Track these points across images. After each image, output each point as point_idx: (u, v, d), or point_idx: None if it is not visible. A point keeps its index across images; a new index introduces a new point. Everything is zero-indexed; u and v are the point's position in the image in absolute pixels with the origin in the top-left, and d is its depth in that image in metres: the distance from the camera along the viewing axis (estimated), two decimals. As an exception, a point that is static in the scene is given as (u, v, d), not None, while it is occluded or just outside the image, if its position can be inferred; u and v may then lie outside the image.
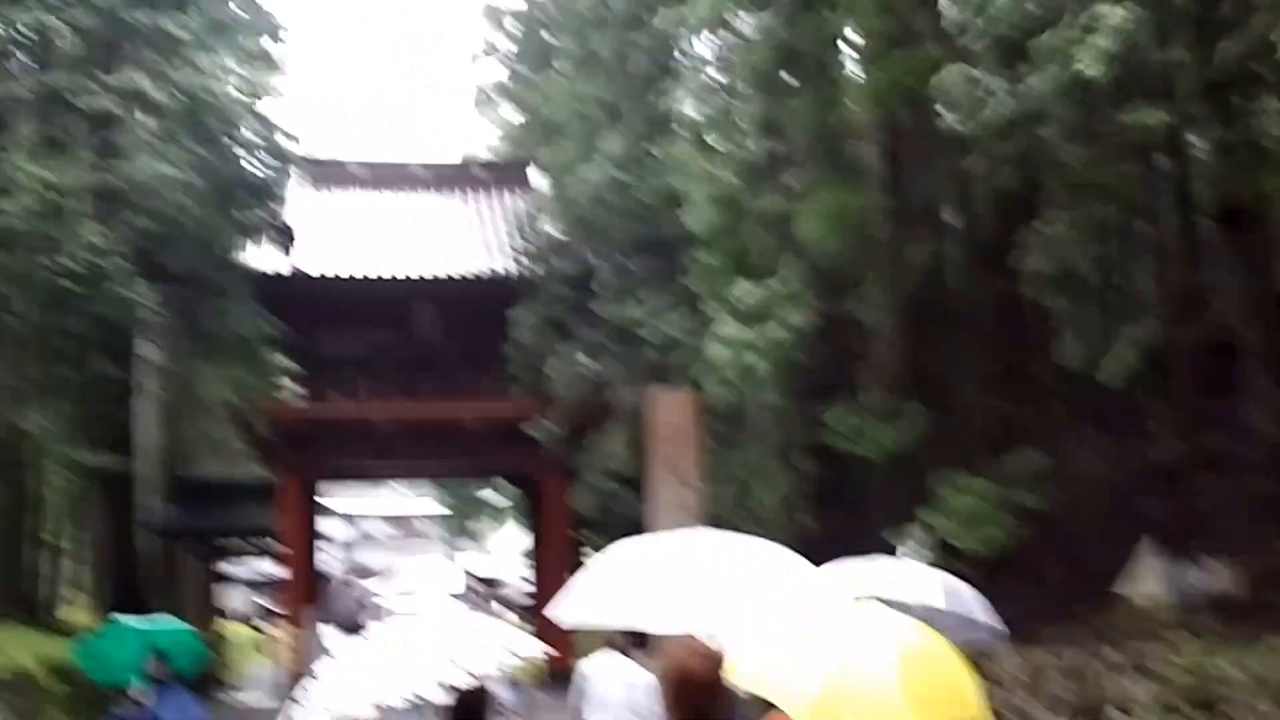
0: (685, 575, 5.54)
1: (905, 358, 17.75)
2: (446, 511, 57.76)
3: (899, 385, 16.72)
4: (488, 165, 33.23)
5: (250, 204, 27.21)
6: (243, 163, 27.44)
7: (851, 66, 16.82)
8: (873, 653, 3.47)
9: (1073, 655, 12.20)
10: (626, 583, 5.75)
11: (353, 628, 29.84)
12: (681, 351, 20.32)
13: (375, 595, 67.99)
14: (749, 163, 16.80)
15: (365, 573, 71.77)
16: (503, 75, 35.99)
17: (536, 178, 30.68)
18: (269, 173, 28.79)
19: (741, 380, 16.45)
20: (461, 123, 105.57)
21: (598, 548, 30.39)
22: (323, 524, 69.60)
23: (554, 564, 27.75)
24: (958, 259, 17.60)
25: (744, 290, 16.18)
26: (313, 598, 29.68)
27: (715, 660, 3.97)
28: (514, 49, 34.76)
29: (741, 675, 3.65)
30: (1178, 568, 12.45)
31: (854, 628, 3.63)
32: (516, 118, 36.36)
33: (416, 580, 72.29)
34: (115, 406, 26.66)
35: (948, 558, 15.64)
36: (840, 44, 15.87)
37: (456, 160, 33.64)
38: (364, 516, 78.11)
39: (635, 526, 28.75)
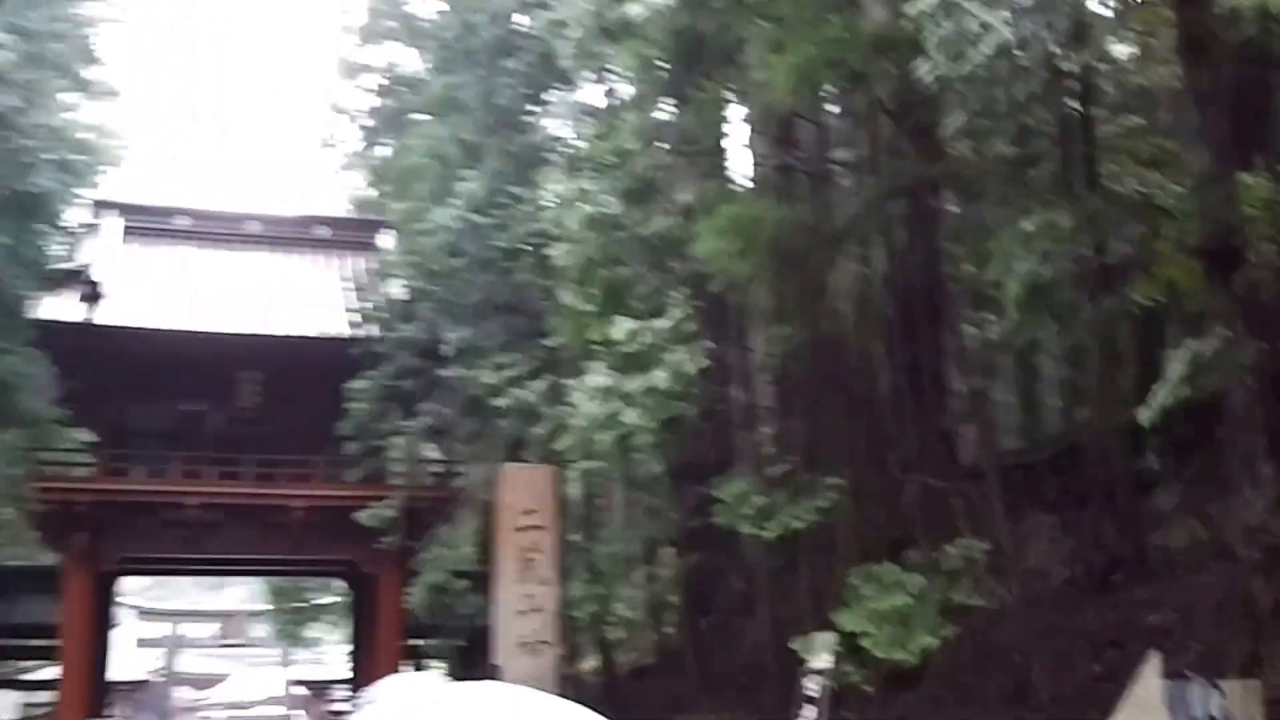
0: None
1: (817, 420, 15.05)
2: (277, 612, 53.35)
3: (809, 455, 14.00)
4: (332, 222, 30.00)
5: (51, 247, 23.68)
6: (47, 200, 23.90)
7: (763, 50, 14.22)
8: None
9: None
10: None
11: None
12: (541, 423, 17.43)
13: (195, 703, 63.18)
14: (633, 181, 14.09)
15: (184, 679, 67.07)
16: (355, 135, 33.09)
17: (384, 239, 27.63)
18: (77, 214, 25.43)
19: (614, 445, 13.59)
20: (306, 179, 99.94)
21: (434, 654, 27.04)
22: (133, 622, 64.89)
23: (380, 670, 24.22)
24: (881, 291, 14.97)
25: (623, 331, 13.38)
26: (96, 708, 25.69)
27: None
28: (368, 106, 31.90)
29: None
30: (1189, 691, 9.79)
31: None
32: (366, 177, 33.40)
33: (241, 687, 67.90)
34: None
35: (861, 671, 12.94)
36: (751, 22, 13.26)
37: (297, 216, 30.36)
38: (188, 615, 73.43)
39: (477, 632, 25.66)
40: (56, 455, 26.04)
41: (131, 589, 73.36)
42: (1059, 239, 9.50)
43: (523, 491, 16.15)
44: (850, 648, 12.66)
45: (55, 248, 24.26)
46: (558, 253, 15.70)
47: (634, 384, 13.07)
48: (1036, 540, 14.40)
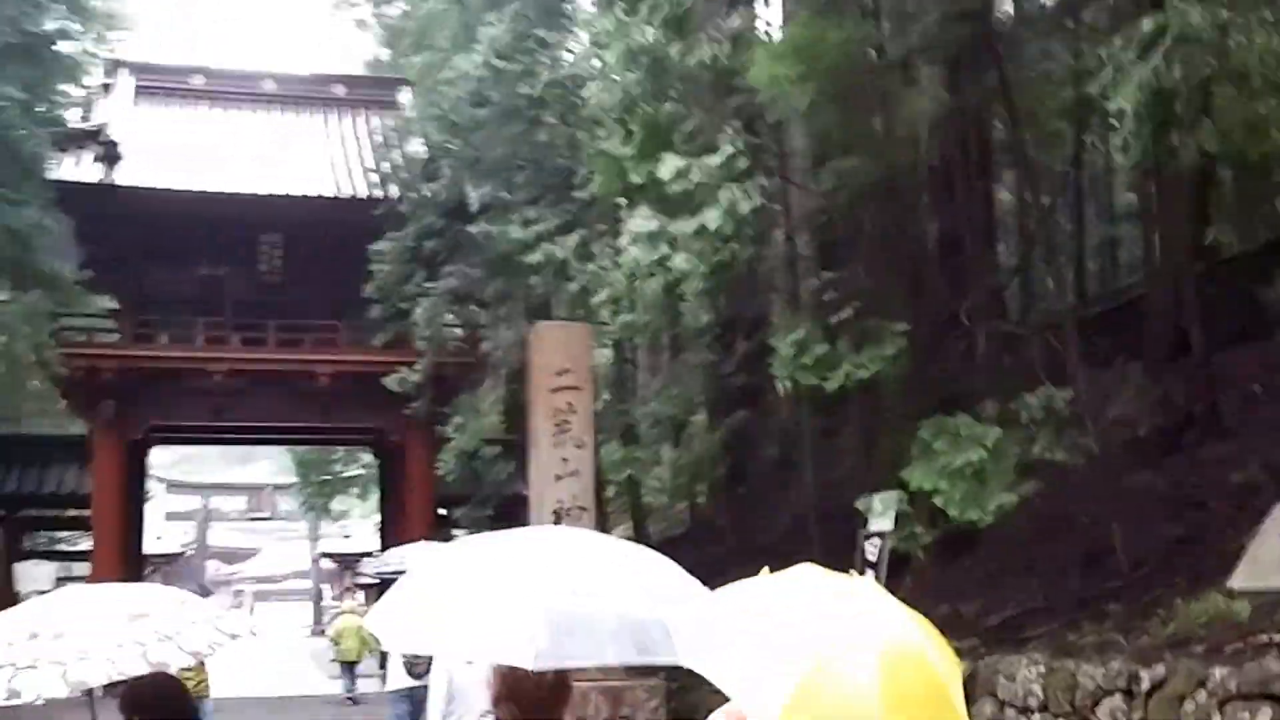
0: (503, 598, 4.01)
1: (878, 266, 14.22)
2: (304, 485, 53.44)
3: (871, 303, 13.15)
4: (349, 81, 29.11)
5: (65, 108, 22.96)
6: (60, 60, 23.09)
7: None
8: (853, 650, 2.92)
9: (1154, 673, 8.85)
10: (426, 600, 4.20)
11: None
12: (574, 280, 16.76)
13: (226, 576, 63.85)
14: (674, 8, 13.10)
15: (215, 552, 67.73)
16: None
17: (404, 96, 26.75)
18: (93, 75, 24.63)
19: (660, 294, 12.79)
20: (322, 35, 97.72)
21: (464, 524, 26.80)
22: (163, 496, 65.35)
23: (409, 541, 23.99)
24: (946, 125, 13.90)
25: (670, 170, 12.53)
26: (132, 577, 25.59)
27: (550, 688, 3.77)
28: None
29: (708, 671, 2.93)
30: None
31: (835, 619, 2.99)
32: (380, 36, 32.40)
33: (271, 559, 68.59)
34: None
35: (929, 531, 12.37)
36: None
37: (314, 74, 29.51)
38: (215, 488, 74.02)
39: (510, 499, 25.36)
40: (81, 321, 25.65)
41: (160, 463, 74.01)
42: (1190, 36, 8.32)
43: (556, 351, 15.47)
44: (918, 507, 12.01)
45: (70, 107, 23.51)
46: (594, 93, 14.85)
47: (683, 226, 12.28)
48: (1112, 394, 13.63)
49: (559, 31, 17.70)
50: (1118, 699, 9.26)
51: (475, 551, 4.56)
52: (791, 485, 21.62)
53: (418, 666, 13.90)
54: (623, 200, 14.42)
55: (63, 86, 21.62)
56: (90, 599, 4.89)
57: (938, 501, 11.55)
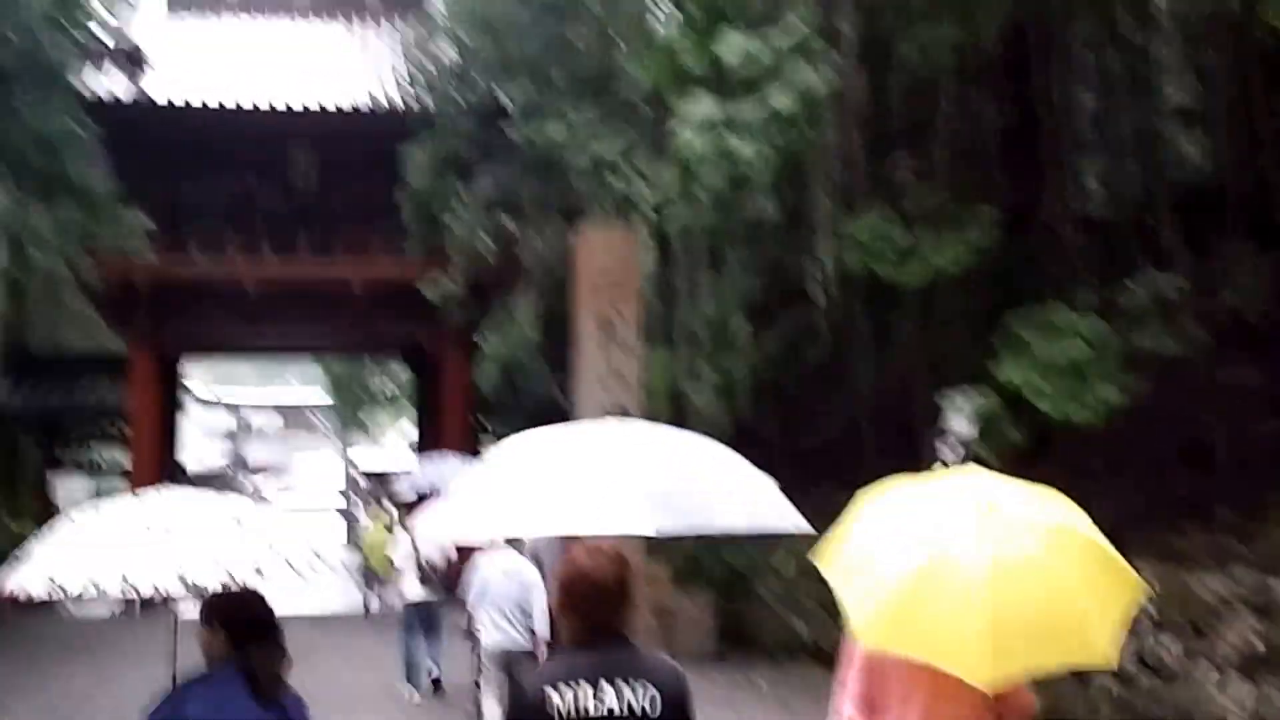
0: (599, 475, 4.04)
1: (958, 149, 13.46)
2: (335, 401, 53.41)
3: (952, 189, 12.49)
4: (380, -14, 28.48)
5: (91, 18, 22.47)
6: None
7: None
8: (964, 557, 3.12)
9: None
10: (522, 485, 4.16)
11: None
12: (616, 179, 16.23)
13: (259, 490, 64.14)
14: None
15: (249, 467, 68.14)
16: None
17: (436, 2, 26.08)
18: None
19: (724, 186, 12.18)
20: None
21: (502, 436, 26.56)
22: (199, 411, 65.55)
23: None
24: None
25: (735, 49, 11.89)
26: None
27: (616, 563, 3.69)
28: None
29: (825, 568, 3.36)
30: None
31: (954, 522, 3.28)
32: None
33: (304, 475, 68.91)
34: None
35: (1019, 429, 11.77)
36: None
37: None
38: (248, 406, 74.21)
39: (551, 408, 25.00)
40: (113, 235, 25.34)
41: (195, 381, 74.28)
42: None
43: (602, 254, 15.06)
44: (1005, 404, 11.40)
45: (98, 19, 23.00)
46: None
47: (749, 111, 11.68)
48: (1212, 281, 12.94)
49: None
50: (1246, 614, 8.67)
51: (548, 442, 4.46)
52: (839, 389, 21.14)
53: (429, 582, 13.99)
54: (671, 94, 13.73)
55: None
56: (197, 501, 4.86)
57: (1031, 399, 10.93)
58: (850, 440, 18.46)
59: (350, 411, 51.92)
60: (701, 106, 12.08)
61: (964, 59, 12.64)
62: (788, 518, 4.23)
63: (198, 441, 69.62)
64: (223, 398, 73.69)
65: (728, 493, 4.16)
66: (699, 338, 16.32)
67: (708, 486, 4.14)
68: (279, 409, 76.14)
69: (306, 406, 73.63)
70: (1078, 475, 13.23)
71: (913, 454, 15.58)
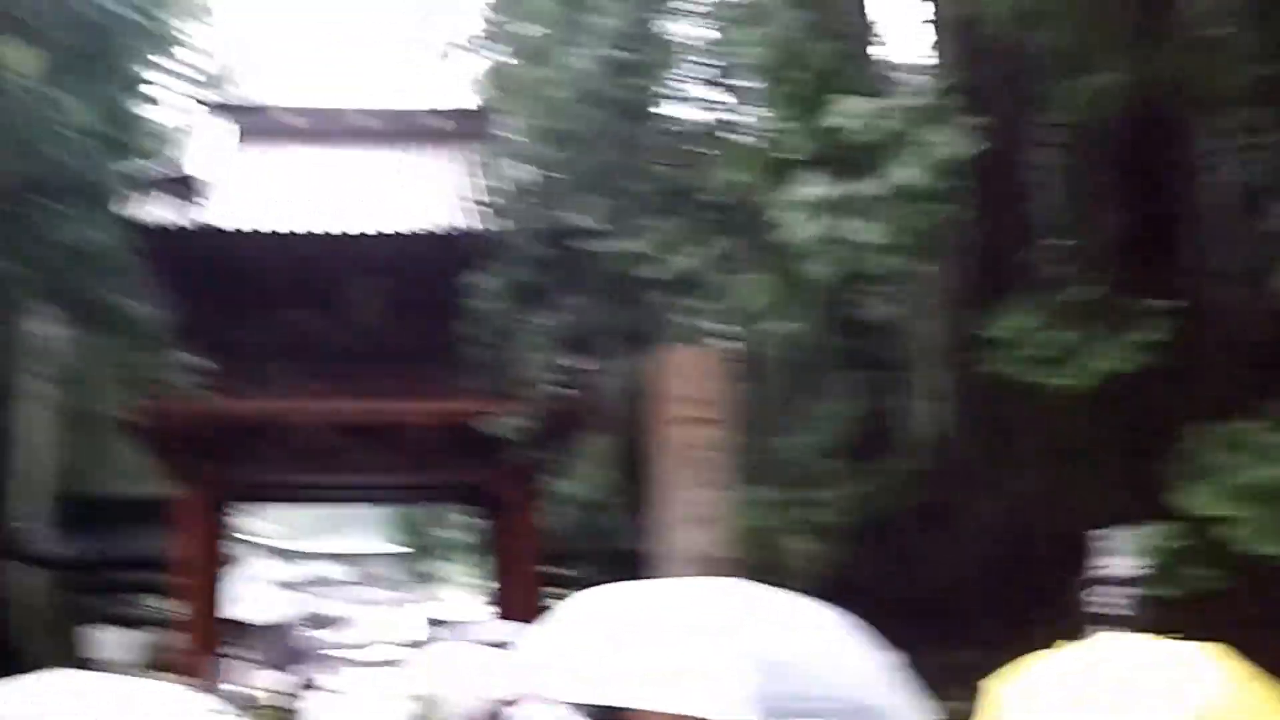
0: (678, 634, 3.63)
1: (1130, 223, 11.51)
2: (406, 552, 51.85)
3: (1119, 273, 10.54)
4: (446, 114, 27.35)
5: (150, 152, 21.46)
6: (144, 103, 21.67)
7: None
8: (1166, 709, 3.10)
9: None
10: (591, 644, 3.78)
11: (297, 677, 24.15)
12: (701, 295, 14.52)
13: (325, 643, 62.36)
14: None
15: (318, 620, 66.46)
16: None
17: (507, 125, 24.78)
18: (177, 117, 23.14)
19: (829, 276, 10.30)
20: (416, 74, 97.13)
21: (574, 585, 24.60)
22: (261, 563, 64.04)
23: (519, 604, 21.80)
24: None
25: (851, 112, 10.12)
26: (216, 645, 23.74)
27: None
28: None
29: None
30: None
31: (1142, 691, 3.21)
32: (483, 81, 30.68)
33: (373, 627, 67.19)
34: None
35: (1211, 571, 9.68)
36: None
37: (415, 109, 27.88)
38: (318, 555, 73.05)
39: (626, 554, 23.04)
40: (155, 368, 24.10)
41: (261, 531, 73.21)
42: None
43: (686, 379, 13.20)
44: (1188, 541, 9.36)
45: (153, 143, 21.99)
46: (740, 42, 12.52)
47: (870, 188, 9.88)
48: None
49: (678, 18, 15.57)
50: None
51: (643, 597, 3.98)
52: (951, 528, 19.12)
53: None
54: (768, 186, 11.98)
55: (134, 109, 19.86)
56: None
57: (1222, 533, 8.90)
58: (965, 588, 16.42)
59: (421, 562, 50.22)
60: (810, 187, 10.27)
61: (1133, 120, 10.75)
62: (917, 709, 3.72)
63: (264, 593, 68.28)
64: (290, 547, 72.56)
65: (852, 672, 3.67)
66: (794, 472, 14.34)
67: (827, 665, 3.61)
68: (348, 557, 74.74)
69: (376, 556, 72.17)
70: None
71: (1047, 605, 13.44)
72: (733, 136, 12.73)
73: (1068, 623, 12.29)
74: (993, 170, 11.56)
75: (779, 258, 10.90)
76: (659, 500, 13.51)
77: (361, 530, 75.79)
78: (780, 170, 11.24)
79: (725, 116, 13.92)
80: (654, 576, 12.78)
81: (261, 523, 64.93)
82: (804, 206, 10.31)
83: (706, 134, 15.20)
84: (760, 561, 22.46)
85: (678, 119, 16.69)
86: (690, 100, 16.17)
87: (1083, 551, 11.82)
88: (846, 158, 10.18)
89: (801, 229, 10.26)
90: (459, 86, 32.22)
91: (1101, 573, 9.82)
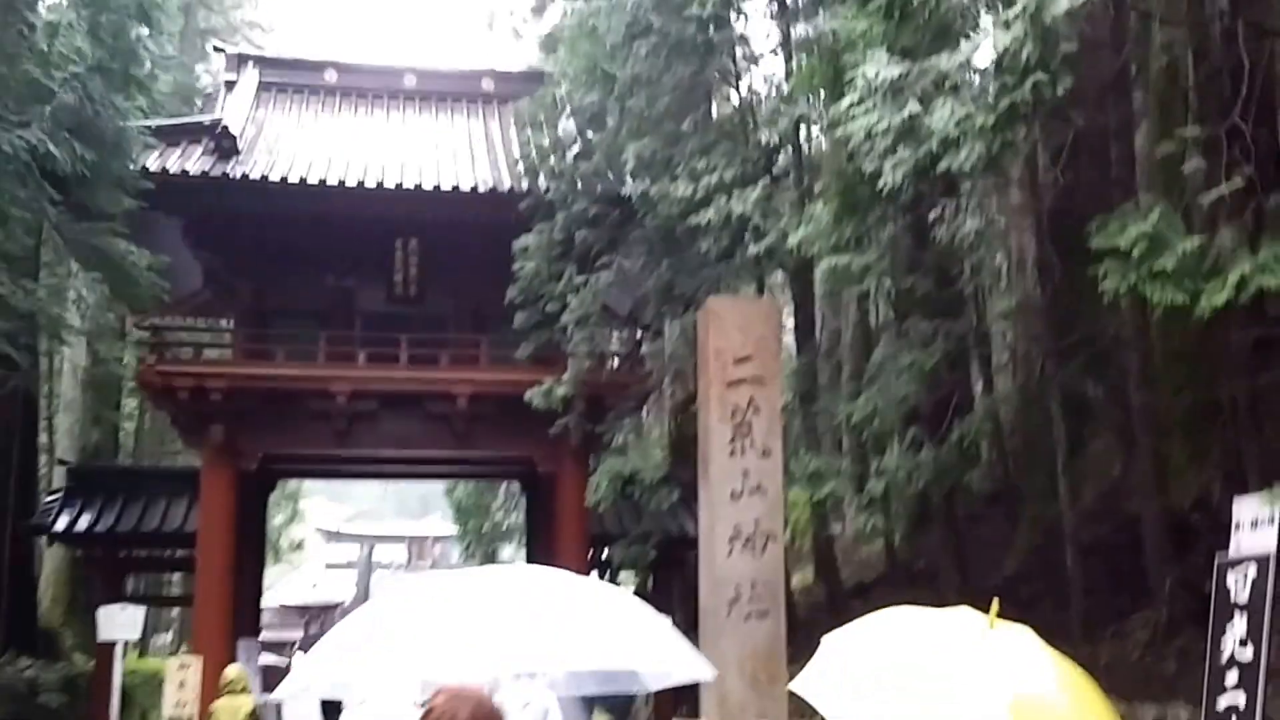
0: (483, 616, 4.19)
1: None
2: (464, 534, 50.70)
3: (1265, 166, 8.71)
4: (497, 76, 25.80)
5: (156, 79, 20.07)
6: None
7: None
8: (982, 698, 3.07)
9: None
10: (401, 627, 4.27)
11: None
12: (755, 241, 12.92)
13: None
14: None
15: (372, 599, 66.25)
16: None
17: (553, 85, 23.16)
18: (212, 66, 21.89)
19: (900, 180, 8.57)
20: (468, 39, 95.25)
21: (622, 564, 23.16)
22: (323, 546, 63.30)
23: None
24: None
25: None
26: (243, 624, 22.52)
27: (486, 712, 3.56)
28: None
29: (827, 711, 3.21)
30: None
31: (967, 663, 3.23)
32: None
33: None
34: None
35: None
36: None
37: (458, 70, 26.37)
38: (379, 539, 72.55)
39: (676, 535, 21.54)
40: (187, 335, 22.95)
41: (324, 514, 72.70)
42: None
43: (734, 333, 11.52)
44: None
45: (178, 94, 20.72)
46: None
47: (948, 61, 8.06)
48: None
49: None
50: None
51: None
52: (1016, 515, 17.49)
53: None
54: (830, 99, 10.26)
55: (155, 51, 18.45)
56: None
57: None
58: (1039, 572, 14.78)
59: (475, 541, 49.01)
60: (878, 66, 8.52)
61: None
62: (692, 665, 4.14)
63: (321, 574, 67.77)
64: (348, 530, 71.99)
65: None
66: (849, 442, 12.65)
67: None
68: (406, 539, 74.11)
69: (433, 537, 71.42)
70: None
71: (1140, 592, 11.83)
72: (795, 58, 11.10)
73: (1169, 611, 10.58)
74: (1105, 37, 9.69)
75: (842, 178, 9.24)
76: (702, 469, 11.96)
77: (420, 513, 75.23)
78: (848, 73, 9.50)
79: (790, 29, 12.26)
80: (696, 558, 11.22)
81: (317, 503, 64.41)
82: (874, 93, 8.58)
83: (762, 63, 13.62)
84: (812, 538, 20.93)
85: (734, 51, 15.07)
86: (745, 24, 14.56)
87: (1188, 533, 10.23)
88: (921, 42, 8.47)
89: (871, 122, 8.53)
90: (511, 48, 31.07)
91: (1232, 551, 8.12)
